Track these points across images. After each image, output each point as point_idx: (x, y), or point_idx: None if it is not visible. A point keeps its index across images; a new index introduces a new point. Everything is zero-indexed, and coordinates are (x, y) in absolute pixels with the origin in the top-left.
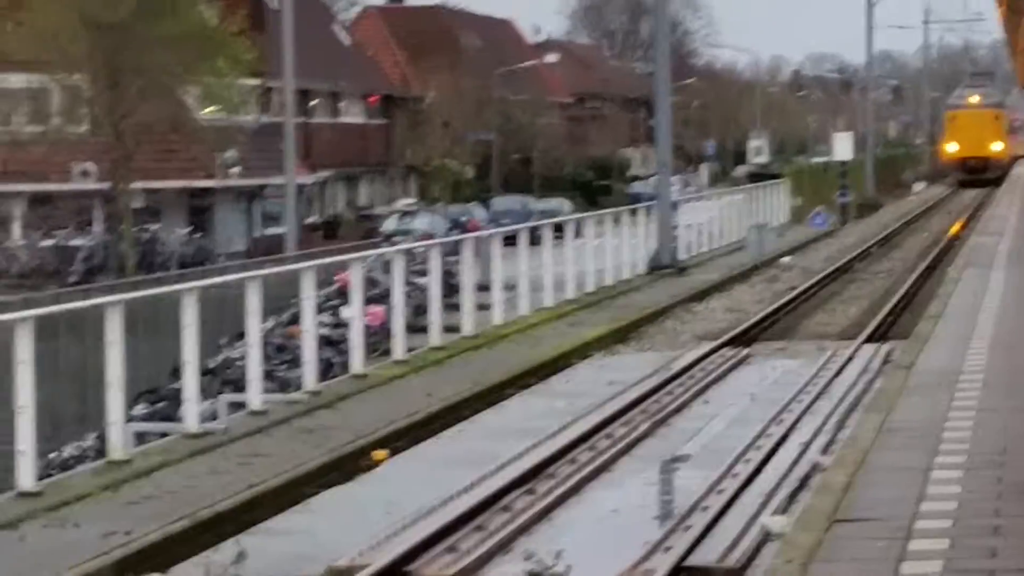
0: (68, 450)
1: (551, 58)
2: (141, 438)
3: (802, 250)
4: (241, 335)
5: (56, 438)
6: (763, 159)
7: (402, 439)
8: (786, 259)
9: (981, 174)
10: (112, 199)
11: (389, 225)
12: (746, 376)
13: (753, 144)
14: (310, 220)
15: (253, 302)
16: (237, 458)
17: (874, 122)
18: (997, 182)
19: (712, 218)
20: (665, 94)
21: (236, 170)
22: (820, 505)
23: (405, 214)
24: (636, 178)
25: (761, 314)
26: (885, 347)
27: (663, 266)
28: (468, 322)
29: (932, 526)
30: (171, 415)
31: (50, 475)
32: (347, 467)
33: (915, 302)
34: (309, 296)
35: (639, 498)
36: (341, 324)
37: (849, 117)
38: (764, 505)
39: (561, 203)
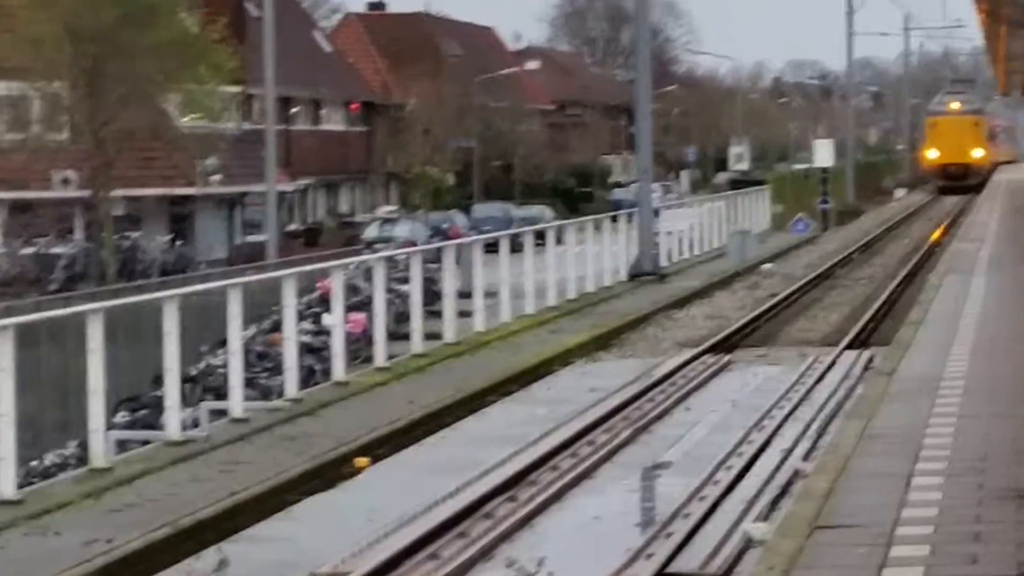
0: (49, 458)
1: (532, 65)
2: (123, 446)
3: (783, 257)
4: (223, 343)
5: (37, 446)
6: (744, 166)
7: (384, 446)
8: (767, 266)
9: (962, 181)
10: (93, 207)
11: (370, 232)
12: (728, 383)
13: (734, 151)
14: (291, 227)
15: (234, 309)
16: (219, 466)
17: (855, 129)
18: (978, 189)
19: (693, 225)
20: (646, 101)
21: (217, 178)
22: (802, 512)
23: (386, 221)
24: (617, 185)
25: (742, 321)
26: (866, 353)
27: (644, 273)
28: (450, 329)
29: (913, 532)
30: (153, 423)
31: (31, 483)
32: (329, 474)
33: (896, 308)
34: (290, 303)
35: (621, 505)
36: (323, 331)
37: (830, 124)
38: (746, 512)
39: (542, 210)
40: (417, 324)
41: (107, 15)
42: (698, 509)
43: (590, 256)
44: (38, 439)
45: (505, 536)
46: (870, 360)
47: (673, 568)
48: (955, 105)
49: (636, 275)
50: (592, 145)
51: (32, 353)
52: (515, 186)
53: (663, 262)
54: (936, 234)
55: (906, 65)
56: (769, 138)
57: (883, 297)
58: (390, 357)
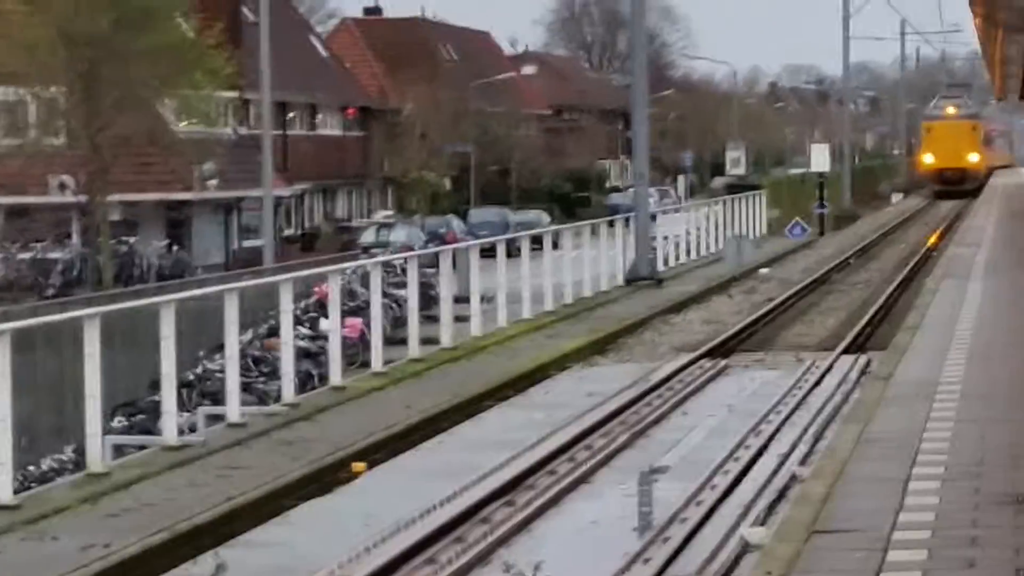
0: (47, 463)
1: (528, 70)
2: (120, 451)
3: (780, 261)
4: (220, 347)
5: (34, 451)
6: (741, 171)
7: (381, 451)
8: (764, 270)
9: (958, 185)
10: (89, 212)
11: (367, 237)
12: (724, 387)
13: (731, 155)
14: (288, 232)
15: (231, 314)
16: (216, 470)
17: (851, 133)
18: (974, 193)
19: (690, 229)
20: (642, 105)
21: (214, 183)
22: (799, 516)
23: (383, 226)
24: (614, 189)
25: (739, 325)
26: (863, 358)
27: (641, 278)
28: (446, 334)
29: (910, 537)
30: (150, 428)
31: (28, 488)
32: (326, 479)
33: (893, 313)
34: (287, 308)
35: (618, 509)
36: (319, 336)
37: (826, 128)
38: (743, 516)
39: (539, 215)
40: (414, 329)
41: (102, 20)
42: (695, 514)
43: (587, 261)
44: (35, 444)
45: (502, 541)
46: (867, 365)
47: (670, 573)
48: (951, 109)
49: (633, 280)
50: (589, 150)
51: (29, 358)
52: (512, 191)
53: (660, 267)
54: (933, 239)
55: (902, 70)
56: (766, 143)
57: (880, 302)
58: (387, 362)
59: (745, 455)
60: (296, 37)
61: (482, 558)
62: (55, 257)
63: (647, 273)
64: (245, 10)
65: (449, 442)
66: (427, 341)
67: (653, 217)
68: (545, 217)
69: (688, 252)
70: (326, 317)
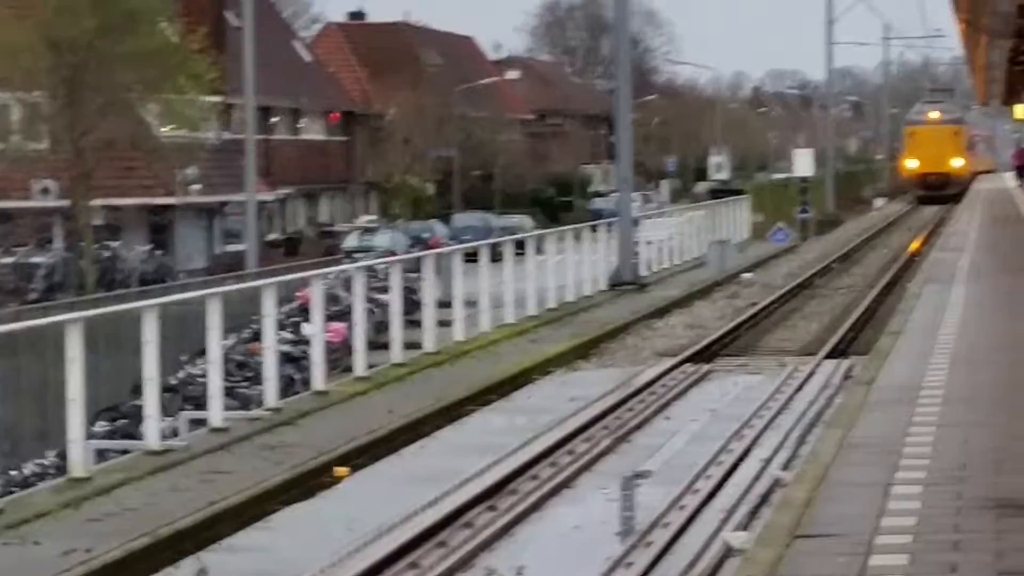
0: (29, 467)
1: (512, 75)
2: (102, 455)
3: (763, 266)
4: (202, 352)
5: (16, 455)
6: (724, 175)
7: (363, 456)
8: (747, 275)
9: (941, 190)
10: (72, 216)
11: (350, 242)
12: (707, 392)
13: (714, 160)
14: (271, 237)
15: (214, 319)
16: (198, 475)
17: (834, 138)
18: (957, 199)
19: (673, 234)
20: (626, 111)
21: (197, 187)
22: (781, 521)
23: (366, 231)
24: (597, 194)
25: (722, 330)
26: (846, 363)
27: (624, 282)
28: (429, 338)
29: (892, 541)
30: (132, 432)
31: (10, 492)
32: (308, 484)
33: (876, 318)
34: (270, 313)
35: (601, 514)
36: (302, 341)
37: (809, 133)
38: (725, 521)
39: (522, 220)
40: (397, 333)
41: (86, 24)
42: (678, 518)
43: (570, 266)
44: (17, 448)
45: (485, 545)
46: (849, 369)
47: None
48: (934, 115)
49: (616, 285)
50: (572, 155)
51: (11, 363)
52: (495, 196)
53: (643, 272)
54: (916, 244)
55: (886, 75)
56: (749, 148)
57: (863, 306)
58: (370, 366)
59: (728, 459)
60: (280, 42)
61: (465, 563)
62: (38, 261)
63: (630, 278)
64: (229, 15)
65: (432, 447)
66: (410, 346)
67: (636, 222)
68: (528, 222)
69: (671, 257)
70: (309, 322)
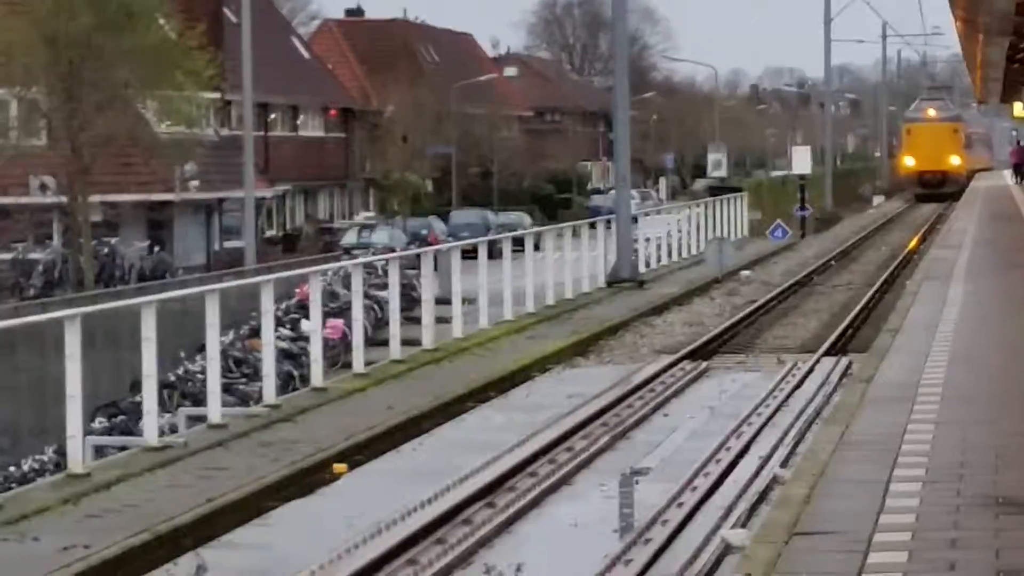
0: (28, 464)
1: (510, 72)
2: (101, 452)
3: (761, 263)
4: (201, 349)
5: (15, 451)
6: (722, 173)
7: (362, 452)
8: (745, 272)
9: (939, 188)
10: (70, 213)
11: (348, 239)
12: (706, 389)
13: (712, 158)
14: (269, 234)
15: (212, 315)
16: (197, 472)
17: (832, 136)
18: (955, 196)
19: (671, 231)
20: (624, 108)
21: (195, 183)
22: (780, 518)
23: (364, 228)
24: (596, 191)
25: (720, 327)
26: (844, 360)
27: (623, 279)
28: (428, 335)
29: (891, 539)
30: (131, 429)
31: (9, 488)
32: (307, 480)
33: (874, 315)
34: (269, 309)
35: (599, 511)
36: (301, 337)
37: (807, 131)
38: (724, 518)
39: (520, 217)
40: (395, 330)
41: (83, 20)
42: (676, 515)
43: (568, 262)
44: (16, 444)
45: (483, 542)
46: (848, 367)
47: (652, 575)
48: (932, 112)
49: (614, 282)
50: (570, 152)
51: (10, 359)
52: (493, 193)
53: (641, 269)
54: (914, 241)
55: (884, 72)
56: (747, 145)
57: (861, 304)
58: (368, 363)
59: (726, 457)
60: (278, 38)
61: (463, 560)
62: (36, 258)
63: (629, 275)
64: (227, 11)
65: (430, 443)
66: (408, 342)
67: (635, 219)
68: (527, 219)
69: (670, 254)
70: (307, 318)
